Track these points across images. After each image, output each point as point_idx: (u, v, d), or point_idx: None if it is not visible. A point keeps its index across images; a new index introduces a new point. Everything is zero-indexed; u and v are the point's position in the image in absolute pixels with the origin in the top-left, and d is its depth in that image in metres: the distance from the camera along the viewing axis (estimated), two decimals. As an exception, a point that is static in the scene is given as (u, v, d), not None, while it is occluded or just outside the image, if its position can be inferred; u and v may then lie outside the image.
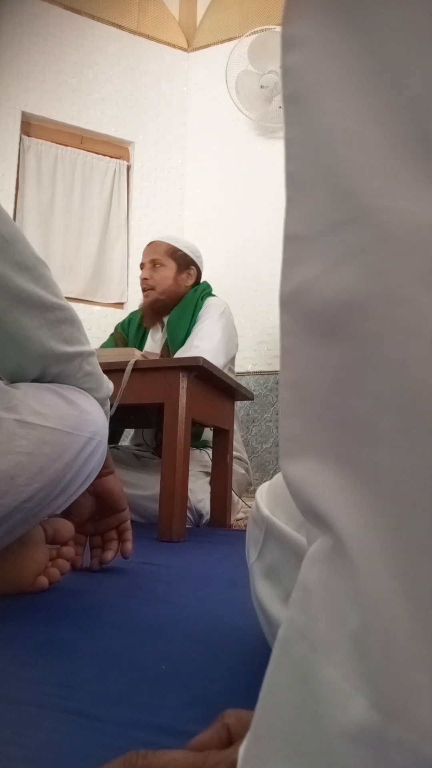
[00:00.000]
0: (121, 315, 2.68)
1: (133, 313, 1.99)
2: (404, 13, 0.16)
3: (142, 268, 1.88)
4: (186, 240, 1.97)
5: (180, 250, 1.87)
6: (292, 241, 0.19)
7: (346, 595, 0.16)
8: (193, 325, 1.78)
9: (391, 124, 0.16)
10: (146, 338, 1.90)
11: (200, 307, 1.81)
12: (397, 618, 0.14)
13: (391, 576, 0.15)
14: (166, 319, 1.85)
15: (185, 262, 1.87)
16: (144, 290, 1.87)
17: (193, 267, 1.88)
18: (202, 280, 1.94)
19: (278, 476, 0.46)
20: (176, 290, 1.85)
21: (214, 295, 1.89)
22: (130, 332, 1.94)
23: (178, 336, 1.77)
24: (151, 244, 1.90)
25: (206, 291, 1.88)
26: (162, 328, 1.87)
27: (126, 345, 1.91)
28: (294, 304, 0.19)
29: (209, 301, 1.83)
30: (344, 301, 0.17)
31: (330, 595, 0.16)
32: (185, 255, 1.87)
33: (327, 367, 0.18)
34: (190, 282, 1.87)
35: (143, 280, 1.86)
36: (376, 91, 0.17)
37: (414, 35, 0.16)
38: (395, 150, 0.16)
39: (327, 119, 0.18)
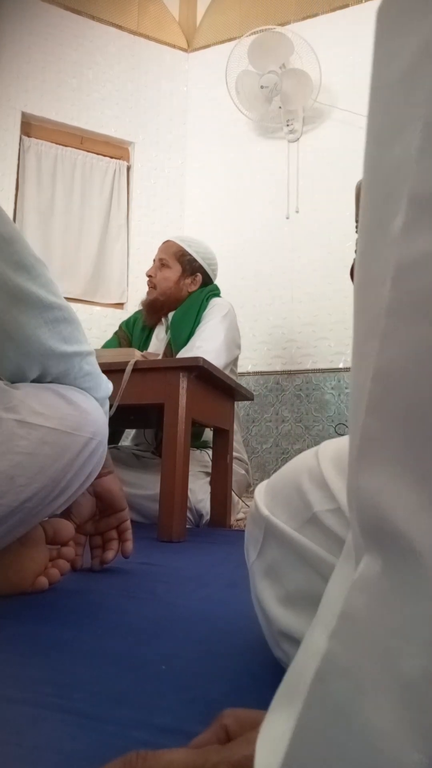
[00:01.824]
0: (120, 315, 2.68)
1: (138, 312, 1.99)
2: None
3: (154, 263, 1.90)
4: (202, 244, 1.94)
5: (189, 255, 1.86)
6: (417, 204, 0.16)
7: (402, 635, 0.14)
8: (197, 325, 1.77)
9: None
10: (151, 337, 1.90)
11: (205, 308, 1.81)
12: None
13: None
14: (170, 318, 1.85)
15: (191, 268, 1.86)
16: (148, 287, 1.88)
17: (199, 274, 1.86)
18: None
19: (276, 475, 0.45)
20: (176, 294, 1.84)
21: (219, 296, 1.89)
22: (135, 331, 1.93)
23: (182, 336, 1.76)
24: (165, 242, 1.91)
25: (212, 292, 1.88)
26: (166, 327, 1.86)
27: (130, 344, 1.91)
28: (407, 278, 0.16)
29: (214, 301, 1.83)
30: None
31: (384, 632, 0.15)
32: (193, 260, 1.86)
33: (422, 357, 0.15)
34: (194, 288, 1.86)
35: (148, 276, 1.88)
36: None
37: None
38: None
39: None
